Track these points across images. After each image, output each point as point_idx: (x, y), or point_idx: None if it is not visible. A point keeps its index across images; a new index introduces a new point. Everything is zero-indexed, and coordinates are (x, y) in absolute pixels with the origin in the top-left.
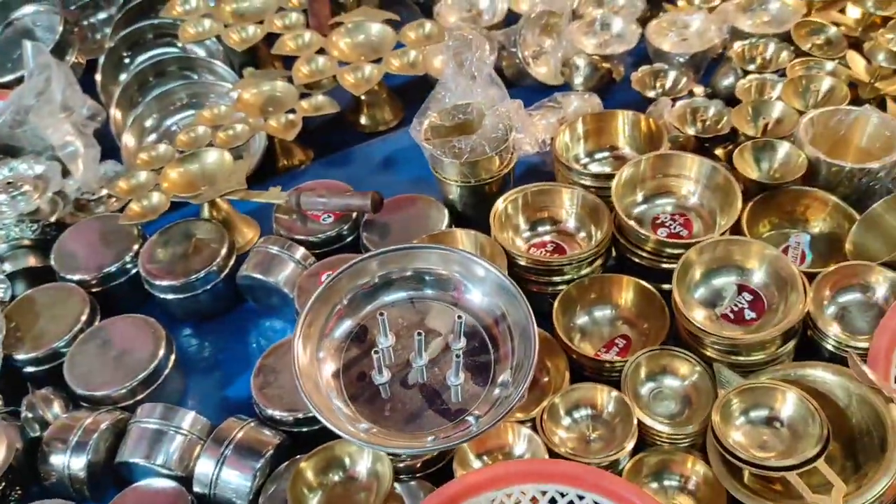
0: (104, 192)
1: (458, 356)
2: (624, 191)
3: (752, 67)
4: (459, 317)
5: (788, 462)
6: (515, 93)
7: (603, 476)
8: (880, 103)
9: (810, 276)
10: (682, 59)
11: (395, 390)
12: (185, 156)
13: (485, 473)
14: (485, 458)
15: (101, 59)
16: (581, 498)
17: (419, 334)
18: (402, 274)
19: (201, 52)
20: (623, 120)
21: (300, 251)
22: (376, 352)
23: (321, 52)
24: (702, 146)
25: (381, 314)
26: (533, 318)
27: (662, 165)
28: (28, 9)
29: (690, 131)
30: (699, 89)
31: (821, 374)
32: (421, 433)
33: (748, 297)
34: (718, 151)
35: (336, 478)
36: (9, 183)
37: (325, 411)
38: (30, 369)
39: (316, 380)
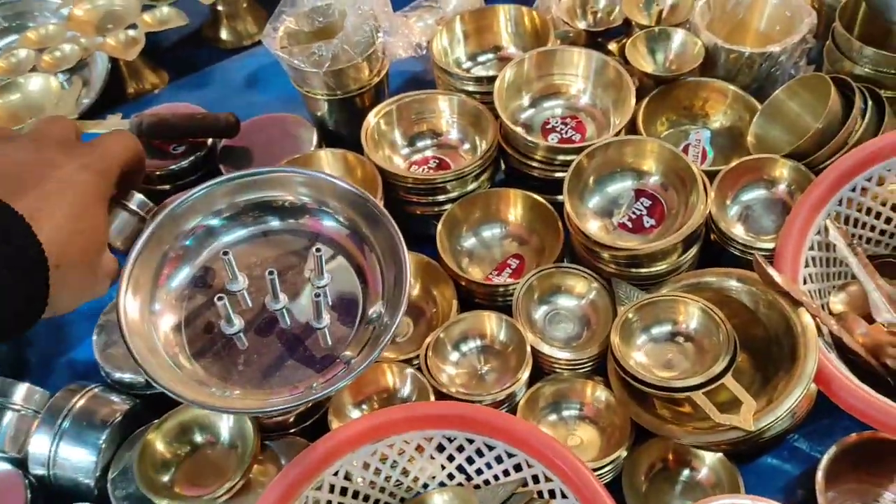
0: None
1: (318, 294)
2: (508, 95)
3: None
4: (318, 249)
5: (694, 381)
6: None
7: (491, 414)
8: None
9: (711, 175)
10: None
11: (249, 340)
12: (3, 84)
13: (360, 424)
14: (364, 406)
15: None
16: (471, 441)
17: (270, 273)
18: (245, 206)
19: None
20: (505, 16)
21: (19, 390)
22: (220, 298)
23: None
24: (594, 41)
25: (226, 253)
26: (402, 241)
27: (548, 64)
28: None
29: (581, 25)
30: None
31: (725, 281)
32: (285, 387)
33: (646, 202)
34: (612, 46)
35: (194, 444)
36: None
37: (163, 375)
38: None
39: (150, 337)
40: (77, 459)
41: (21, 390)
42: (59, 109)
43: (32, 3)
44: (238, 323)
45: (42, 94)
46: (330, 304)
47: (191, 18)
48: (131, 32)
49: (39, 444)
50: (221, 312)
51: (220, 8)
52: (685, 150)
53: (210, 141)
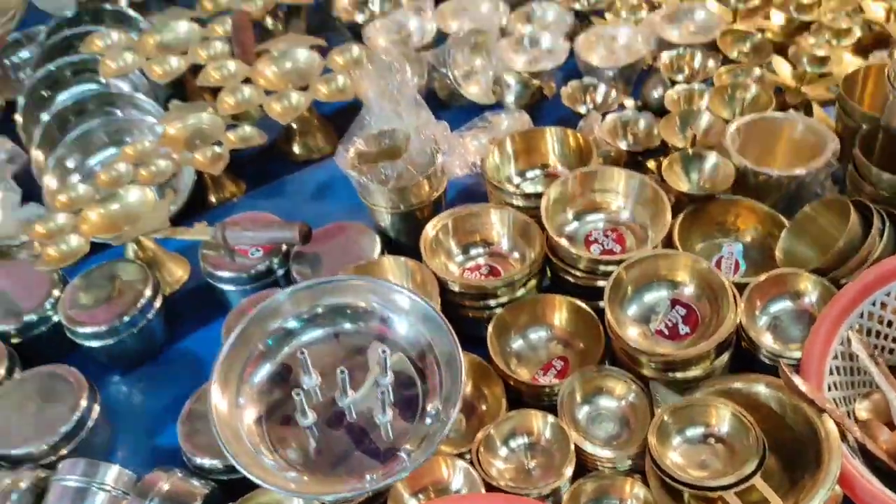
0: (25, 238)
1: (383, 392)
2: (554, 210)
3: (680, 77)
4: (384, 350)
5: (725, 481)
6: (449, 113)
7: None
8: (807, 107)
9: (742, 287)
10: (611, 73)
11: (321, 432)
12: (105, 196)
13: None
14: (420, 496)
15: (21, 99)
16: None
17: (342, 371)
18: (322, 310)
19: (126, 87)
20: (552, 137)
21: (111, 472)
22: (298, 393)
23: (247, 81)
24: (634, 160)
25: (303, 353)
26: (458, 344)
27: (590, 182)
28: None
29: (622, 145)
30: (629, 102)
31: (755, 386)
32: (351, 476)
33: (681, 311)
34: (651, 164)
35: None
36: None
37: (247, 462)
38: None
39: (236, 428)
40: None
41: (112, 472)
42: (154, 219)
43: (130, 120)
44: (311, 416)
45: (139, 205)
46: (392, 400)
47: (268, 136)
48: (217, 149)
49: None
50: (297, 406)
51: (293, 125)
52: (719, 262)
53: (284, 246)
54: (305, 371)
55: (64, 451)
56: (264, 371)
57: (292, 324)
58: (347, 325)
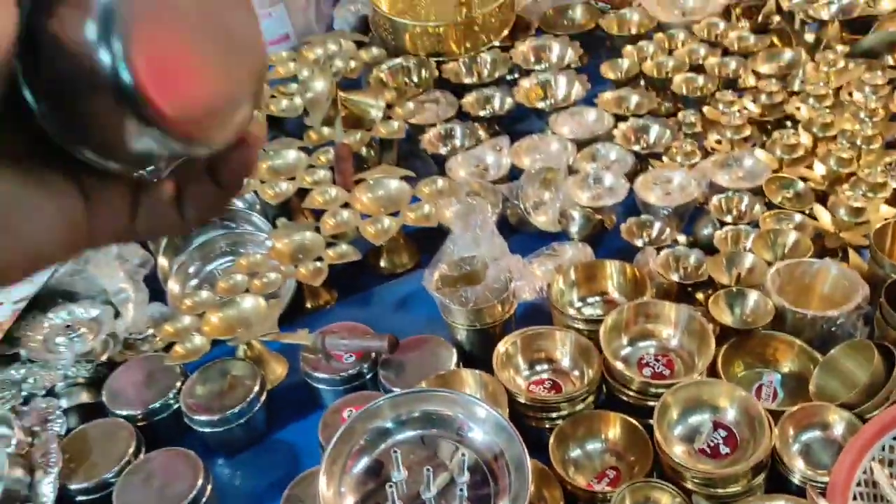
0: (150, 331)
1: (461, 490)
2: (610, 336)
3: (728, 218)
4: (463, 454)
5: None
6: (518, 238)
7: None
8: (844, 252)
9: (778, 414)
10: (665, 212)
11: None
12: (224, 302)
13: None
14: None
15: None
16: None
17: (428, 469)
18: (412, 415)
19: (241, 205)
20: (611, 268)
21: None
22: (391, 486)
23: (346, 205)
24: (684, 291)
25: (395, 451)
26: (527, 454)
27: (644, 312)
28: None
29: (674, 278)
30: (682, 238)
31: None
32: None
33: (723, 433)
34: (699, 296)
35: None
36: (67, 326)
37: None
38: (81, 498)
39: None
40: None
41: None
42: (264, 324)
43: (244, 234)
44: None
45: (251, 311)
46: (467, 496)
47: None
48: (318, 264)
49: None
50: (389, 497)
51: (382, 244)
52: (759, 389)
53: (373, 354)
54: (396, 467)
55: None
56: (362, 464)
57: (389, 424)
58: (433, 430)
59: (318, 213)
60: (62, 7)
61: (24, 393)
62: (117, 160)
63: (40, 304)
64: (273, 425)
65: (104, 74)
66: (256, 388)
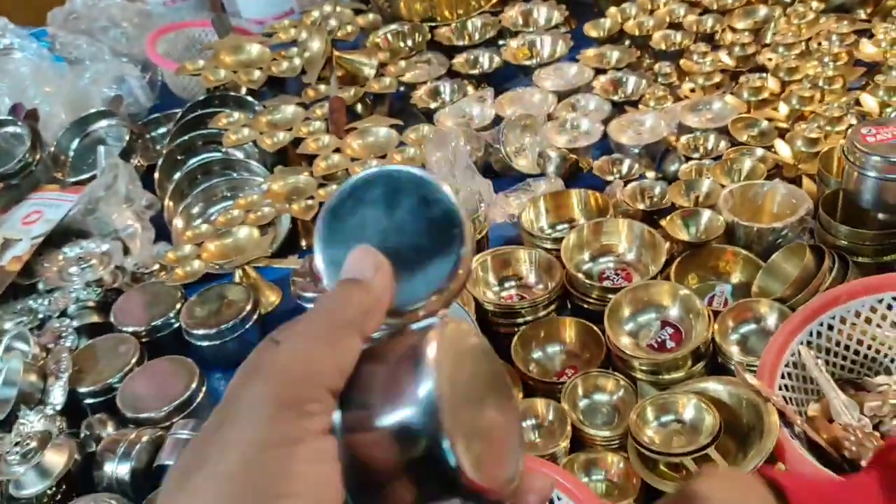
0: (156, 266)
1: None
2: (572, 252)
3: (695, 156)
4: None
5: (687, 449)
6: (502, 181)
7: (538, 462)
8: (799, 180)
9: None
10: (636, 150)
11: None
12: (221, 232)
13: None
14: None
15: (160, 161)
16: None
17: None
18: None
19: (240, 155)
20: (577, 197)
21: None
22: None
23: (337, 151)
24: (650, 218)
25: None
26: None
27: (602, 230)
28: (102, 123)
29: (640, 206)
30: (651, 174)
31: (717, 385)
32: None
33: (669, 330)
34: (662, 222)
35: None
36: (80, 258)
37: None
38: (89, 400)
39: None
40: None
41: None
42: (257, 251)
43: (244, 180)
44: None
45: (246, 241)
46: None
47: None
48: (309, 201)
49: None
50: None
51: None
52: (711, 299)
53: None
54: None
55: (176, 419)
56: None
57: None
58: None
59: (311, 161)
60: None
61: (40, 316)
62: None
63: (56, 240)
64: None
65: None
66: (249, 307)
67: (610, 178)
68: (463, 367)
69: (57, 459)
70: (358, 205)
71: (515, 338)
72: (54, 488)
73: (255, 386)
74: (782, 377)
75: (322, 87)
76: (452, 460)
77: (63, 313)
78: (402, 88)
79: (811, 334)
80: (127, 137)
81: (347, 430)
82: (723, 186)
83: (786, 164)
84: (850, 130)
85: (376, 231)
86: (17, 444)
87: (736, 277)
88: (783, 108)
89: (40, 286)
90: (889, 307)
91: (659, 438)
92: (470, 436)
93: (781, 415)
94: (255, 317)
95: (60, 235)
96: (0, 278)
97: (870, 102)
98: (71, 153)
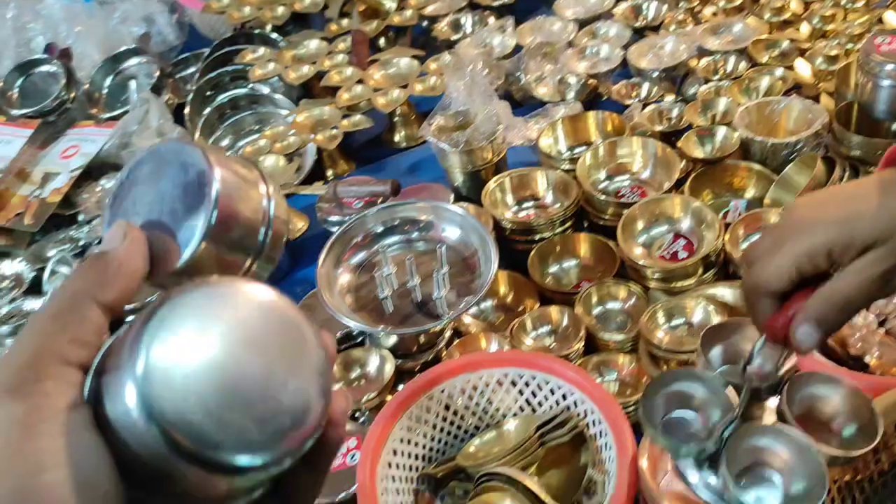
0: None
1: (439, 277)
2: (588, 171)
3: (715, 78)
4: (441, 246)
5: (695, 347)
6: (522, 111)
7: (551, 360)
8: (818, 98)
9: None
10: (655, 74)
11: (393, 301)
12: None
13: (459, 360)
14: None
15: (190, 97)
16: (533, 378)
17: (409, 259)
18: (396, 222)
19: (266, 90)
20: (594, 120)
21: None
22: (378, 271)
23: (360, 82)
24: (668, 139)
25: (383, 249)
26: (493, 243)
27: (617, 149)
28: (133, 60)
29: (658, 128)
30: (670, 97)
31: (726, 290)
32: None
33: (682, 242)
34: (680, 143)
35: (353, 374)
36: None
37: (334, 306)
38: (130, 318)
39: (331, 286)
40: None
41: None
42: (283, 178)
43: (270, 113)
44: (387, 291)
45: (273, 168)
46: (447, 284)
47: (376, 129)
48: (333, 131)
49: None
50: (378, 283)
51: (396, 119)
52: (726, 215)
53: (380, 199)
54: (385, 262)
55: None
56: (357, 258)
57: (379, 229)
58: (415, 234)
59: (335, 93)
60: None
61: (81, 243)
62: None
63: (93, 173)
64: (294, 267)
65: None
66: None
67: (629, 101)
68: (200, 326)
69: None
70: (133, 185)
71: (532, 252)
72: None
73: None
74: None
75: (344, 21)
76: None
77: (101, 241)
78: (424, 23)
79: None
80: (157, 73)
81: (97, 400)
82: (739, 105)
83: (805, 84)
84: (864, 41)
85: (143, 204)
86: None
87: (750, 193)
88: (804, 28)
89: (80, 217)
90: None
91: (668, 339)
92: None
93: None
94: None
95: (97, 169)
96: (42, 209)
97: (894, 21)
98: (105, 90)
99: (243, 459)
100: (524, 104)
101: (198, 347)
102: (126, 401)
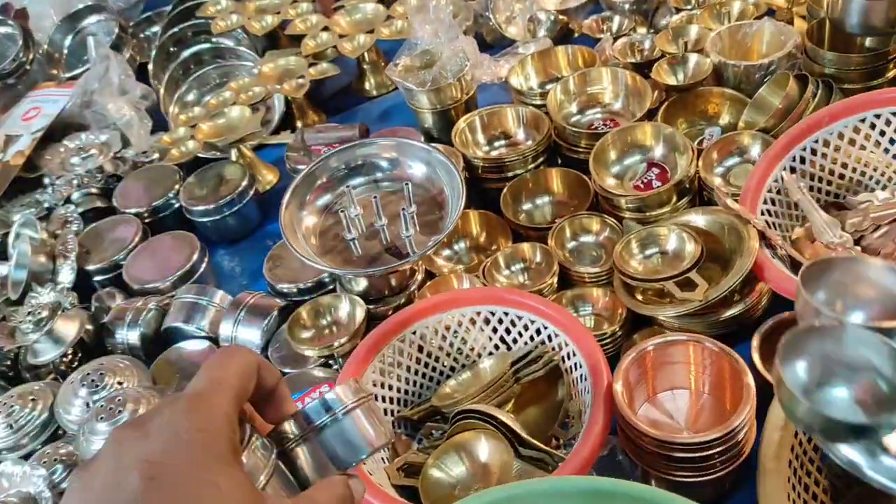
0: (155, 155)
1: (406, 215)
2: (559, 104)
3: (687, 8)
4: (407, 184)
5: (669, 274)
6: (493, 51)
7: (523, 295)
8: (791, 22)
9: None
10: (626, 6)
11: (360, 243)
12: (213, 113)
13: (431, 300)
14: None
15: (153, 54)
16: (506, 314)
17: (374, 197)
18: (360, 162)
19: (230, 43)
20: (564, 54)
21: (217, 294)
22: (342, 210)
23: (326, 30)
24: (641, 71)
25: (348, 188)
26: (462, 177)
27: (587, 81)
28: (92, 19)
29: (630, 60)
30: (642, 30)
31: (700, 216)
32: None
33: (655, 171)
34: (651, 73)
35: (324, 321)
36: (80, 148)
37: (300, 249)
38: (97, 277)
39: (295, 229)
40: (250, 338)
41: (218, 294)
42: (249, 128)
43: (235, 66)
44: (354, 233)
45: (239, 119)
46: (416, 222)
47: (346, 78)
48: (300, 80)
49: (225, 328)
50: (344, 223)
51: (365, 66)
52: (701, 142)
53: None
54: (351, 203)
55: (181, 288)
56: (323, 200)
57: (343, 171)
58: (380, 174)
59: (301, 42)
60: None
61: (46, 206)
62: None
63: (57, 135)
64: (265, 221)
65: None
66: (245, 183)
67: (600, 35)
68: None
69: (69, 327)
70: None
71: (505, 190)
72: (70, 355)
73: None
74: (766, 203)
75: None
76: None
77: (67, 200)
78: None
79: (794, 160)
80: (116, 30)
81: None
82: (711, 31)
83: (778, 7)
84: None
85: None
86: (29, 313)
87: (725, 119)
88: None
89: (46, 181)
90: (872, 126)
91: (643, 269)
92: None
93: (763, 237)
94: (251, 192)
95: (61, 130)
96: (5, 172)
97: None
98: (65, 50)
99: None
100: (495, 45)
101: None
102: None
